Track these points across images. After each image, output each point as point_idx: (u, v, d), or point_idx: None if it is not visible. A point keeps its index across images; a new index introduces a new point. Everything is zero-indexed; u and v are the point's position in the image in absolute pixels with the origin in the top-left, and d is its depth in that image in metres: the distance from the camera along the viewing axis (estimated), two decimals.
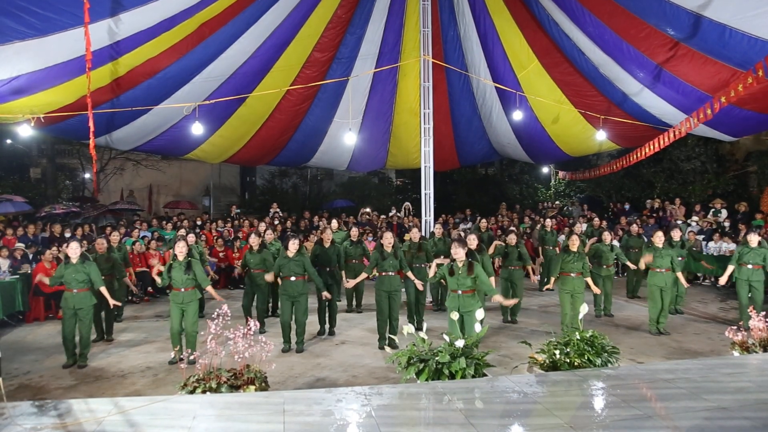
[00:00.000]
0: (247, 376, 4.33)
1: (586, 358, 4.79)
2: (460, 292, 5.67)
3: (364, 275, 7.33)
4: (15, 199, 13.81)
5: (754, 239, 7.67)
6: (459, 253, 5.67)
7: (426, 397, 4.03)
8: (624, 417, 3.54)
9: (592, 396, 4.14)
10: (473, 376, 4.40)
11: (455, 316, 5.24)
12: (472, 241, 6.89)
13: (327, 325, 7.65)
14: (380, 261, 6.92)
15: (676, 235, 8.45)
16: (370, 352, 6.74)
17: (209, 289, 6.47)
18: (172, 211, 18.91)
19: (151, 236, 11.82)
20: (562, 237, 11.25)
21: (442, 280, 5.95)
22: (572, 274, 7.15)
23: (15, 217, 13.36)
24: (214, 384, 4.19)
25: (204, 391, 4.14)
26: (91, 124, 7.31)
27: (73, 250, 6.30)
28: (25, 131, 9.36)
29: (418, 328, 7.54)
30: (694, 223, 13.01)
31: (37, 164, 20.67)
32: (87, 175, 21.62)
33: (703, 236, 11.94)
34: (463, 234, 10.07)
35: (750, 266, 7.60)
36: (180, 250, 6.34)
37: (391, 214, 16.14)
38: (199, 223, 13.98)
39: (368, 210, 16.18)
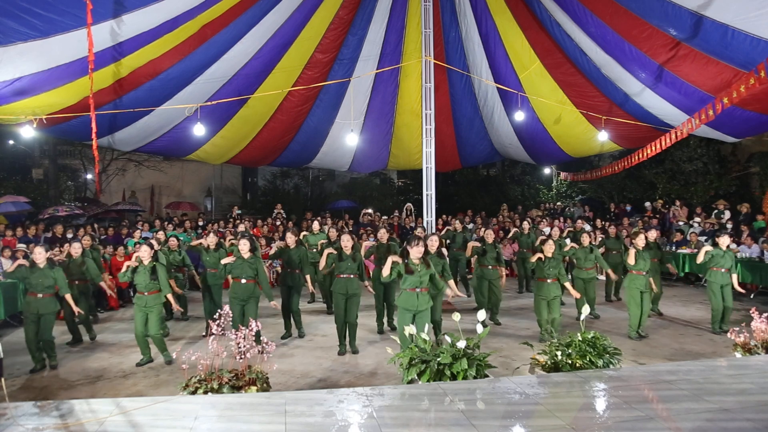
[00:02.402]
0: (249, 376, 4.33)
1: (587, 359, 4.78)
2: (418, 290, 5.61)
3: (321, 265, 6.98)
4: (16, 200, 13.82)
5: (724, 242, 7.57)
6: (417, 251, 5.62)
7: (428, 398, 4.03)
8: (626, 418, 3.54)
9: (593, 397, 4.14)
10: (475, 377, 4.40)
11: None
12: (434, 242, 6.77)
13: (296, 328, 7.63)
14: (337, 262, 6.78)
15: (651, 236, 8.26)
16: (371, 353, 6.74)
17: (169, 297, 6.46)
18: (173, 211, 18.94)
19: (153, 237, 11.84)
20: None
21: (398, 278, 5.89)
22: (548, 280, 7.02)
23: (18, 218, 13.40)
24: (216, 385, 4.19)
25: (206, 392, 4.14)
26: (93, 125, 7.34)
27: (39, 254, 6.23)
28: (28, 132, 9.39)
29: (391, 328, 7.60)
30: (696, 224, 12.98)
31: (39, 165, 20.71)
32: (89, 176, 21.68)
33: (705, 237, 11.92)
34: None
35: (723, 270, 7.51)
36: (144, 254, 6.32)
37: (393, 215, 16.14)
38: (200, 223, 14.00)
39: (370, 211, 16.18)
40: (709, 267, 7.66)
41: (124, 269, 6.39)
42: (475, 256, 8.41)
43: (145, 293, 6.25)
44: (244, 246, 6.55)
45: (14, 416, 3.56)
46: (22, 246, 10.01)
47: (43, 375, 6.06)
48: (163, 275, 6.35)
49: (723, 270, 7.51)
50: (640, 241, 7.45)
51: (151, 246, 6.51)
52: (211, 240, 7.97)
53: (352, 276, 6.73)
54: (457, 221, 10.80)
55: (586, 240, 8.51)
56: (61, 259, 7.52)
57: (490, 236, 8.28)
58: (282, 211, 15.78)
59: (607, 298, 10.03)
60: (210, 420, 3.57)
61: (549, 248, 7.09)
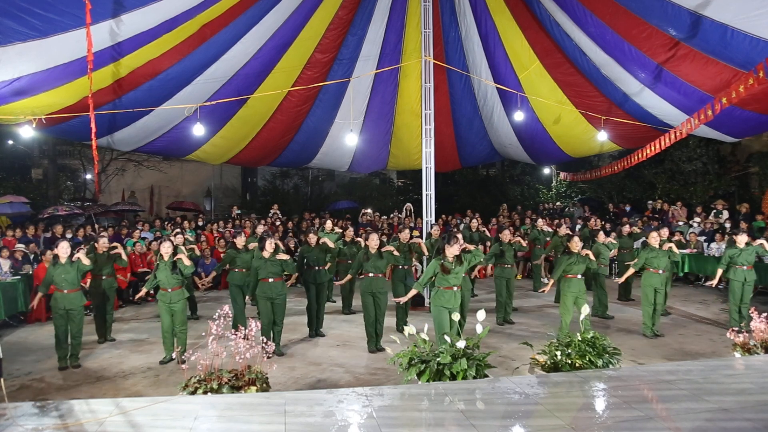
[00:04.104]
0: (249, 377, 4.33)
1: (587, 359, 4.79)
2: (455, 288, 5.72)
3: (348, 276, 7.44)
4: (17, 200, 13.79)
5: (741, 240, 7.63)
6: (454, 250, 5.72)
7: (427, 398, 4.03)
8: (625, 418, 3.54)
9: (593, 397, 4.14)
10: (474, 377, 4.40)
11: (457, 316, 5.22)
12: (459, 240, 6.78)
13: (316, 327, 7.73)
14: (364, 262, 6.90)
15: (664, 234, 8.32)
16: (371, 353, 6.74)
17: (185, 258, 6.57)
18: (173, 211, 18.93)
19: (153, 237, 11.85)
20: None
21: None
22: (578, 276, 7.05)
23: (19, 219, 13.39)
24: (216, 385, 4.19)
25: (205, 392, 4.14)
26: (92, 125, 7.32)
27: (63, 250, 6.33)
28: (27, 132, 9.38)
29: (400, 330, 7.62)
30: (695, 224, 12.99)
31: (38, 165, 20.71)
32: (88, 176, 21.67)
33: (704, 237, 11.93)
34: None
35: (744, 267, 7.57)
36: (165, 250, 6.41)
37: (392, 215, 16.14)
38: (200, 223, 13.99)
39: (369, 211, 16.17)
40: (732, 265, 7.70)
41: (150, 278, 6.46)
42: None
43: (169, 289, 6.32)
44: (269, 246, 6.70)
45: (14, 416, 3.56)
46: (21, 246, 10.00)
47: (42, 375, 6.05)
48: (182, 263, 6.43)
49: (744, 267, 7.56)
50: (653, 239, 7.48)
51: (171, 242, 6.61)
52: (240, 241, 8.01)
53: (379, 275, 6.87)
54: (474, 220, 10.86)
55: (601, 237, 8.61)
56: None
57: (506, 236, 8.34)
58: (278, 212, 15.75)
59: (620, 298, 10.10)
60: (210, 420, 3.57)
61: (575, 244, 7.13)
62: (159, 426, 3.50)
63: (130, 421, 3.54)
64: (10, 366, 6.26)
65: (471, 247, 6.19)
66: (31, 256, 9.94)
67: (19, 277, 8.72)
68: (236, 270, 7.76)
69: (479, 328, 4.85)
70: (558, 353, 4.89)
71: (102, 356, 6.76)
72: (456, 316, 5.12)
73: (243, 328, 4.45)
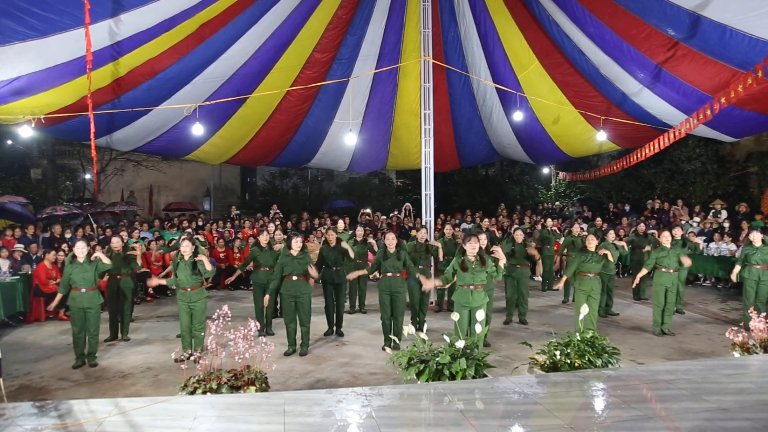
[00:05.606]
0: (248, 376, 4.33)
1: (586, 359, 4.79)
2: (472, 287, 5.71)
3: (363, 271, 7.39)
4: (14, 199, 13.74)
5: (757, 238, 7.64)
6: (474, 248, 5.73)
7: (426, 397, 4.04)
8: (624, 418, 3.55)
9: (592, 397, 4.14)
10: (474, 377, 4.40)
11: (456, 316, 5.23)
12: (483, 240, 6.76)
13: (337, 327, 7.69)
14: (382, 261, 6.89)
15: (677, 233, 8.38)
16: (371, 353, 6.74)
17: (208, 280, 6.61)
18: (172, 212, 18.91)
19: (153, 237, 11.84)
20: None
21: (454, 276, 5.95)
22: (590, 275, 7.01)
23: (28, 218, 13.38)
24: (215, 385, 4.19)
25: (205, 392, 4.14)
26: (91, 125, 7.31)
27: (81, 249, 6.38)
28: (26, 132, 9.37)
29: (420, 329, 7.59)
30: (695, 224, 13.01)
31: (37, 165, 20.72)
32: (87, 176, 21.67)
33: (703, 237, 11.94)
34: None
35: (758, 267, 7.56)
36: (185, 249, 6.39)
37: (392, 215, 16.15)
38: (199, 223, 13.99)
39: (368, 211, 16.16)
40: (747, 264, 7.71)
41: (171, 275, 6.47)
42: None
43: (188, 289, 6.31)
44: (296, 244, 6.68)
45: (13, 416, 3.55)
46: (19, 246, 9.99)
47: (42, 375, 6.05)
48: (202, 265, 6.39)
49: (758, 266, 7.55)
50: (665, 239, 7.51)
51: (191, 241, 6.58)
52: (264, 238, 7.94)
53: (397, 275, 6.83)
54: (486, 219, 10.85)
55: (611, 236, 8.60)
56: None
57: (519, 236, 8.34)
58: (279, 212, 15.74)
59: (635, 296, 10.11)
60: (209, 420, 3.57)
61: (591, 242, 7.11)
62: (158, 426, 3.49)
63: (129, 421, 3.54)
64: (10, 366, 6.26)
65: (500, 253, 6.03)
66: (33, 257, 9.92)
67: (18, 277, 8.71)
68: (260, 269, 7.78)
69: (478, 328, 4.86)
70: (557, 353, 4.89)
71: (102, 356, 6.75)
72: (481, 315, 5.09)
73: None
